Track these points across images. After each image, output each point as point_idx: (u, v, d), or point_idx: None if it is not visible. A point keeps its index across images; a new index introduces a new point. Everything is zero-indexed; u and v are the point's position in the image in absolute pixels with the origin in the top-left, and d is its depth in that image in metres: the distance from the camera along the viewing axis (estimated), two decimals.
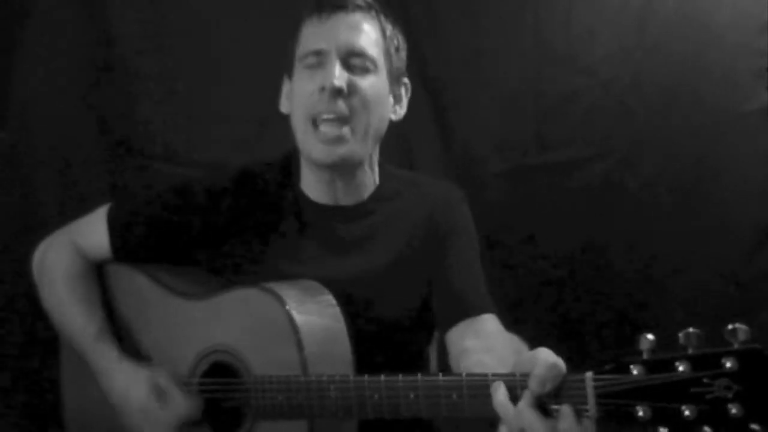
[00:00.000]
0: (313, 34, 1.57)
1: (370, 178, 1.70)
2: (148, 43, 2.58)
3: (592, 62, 2.56)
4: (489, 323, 1.57)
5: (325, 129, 1.54)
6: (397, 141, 2.62)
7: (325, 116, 1.54)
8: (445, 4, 2.63)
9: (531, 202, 2.59)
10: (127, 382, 1.56)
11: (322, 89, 1.53)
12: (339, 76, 1.52)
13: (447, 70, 2.63)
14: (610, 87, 2.55)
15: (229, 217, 1.66)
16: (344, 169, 1.62)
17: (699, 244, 2.49)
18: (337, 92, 1.52)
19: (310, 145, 1.57)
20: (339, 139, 1.55)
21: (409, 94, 1.69)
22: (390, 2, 2.58)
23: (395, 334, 1.62)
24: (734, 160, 2.48)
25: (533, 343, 1.47)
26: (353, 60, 1.55)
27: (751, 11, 2.45)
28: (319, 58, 1.55)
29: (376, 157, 1.70)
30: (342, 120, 1.54)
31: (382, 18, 1.62)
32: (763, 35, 2.45)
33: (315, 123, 1.55)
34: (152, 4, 2.59)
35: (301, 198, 1.68)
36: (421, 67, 2.64)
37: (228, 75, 2.53)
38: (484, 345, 1.49)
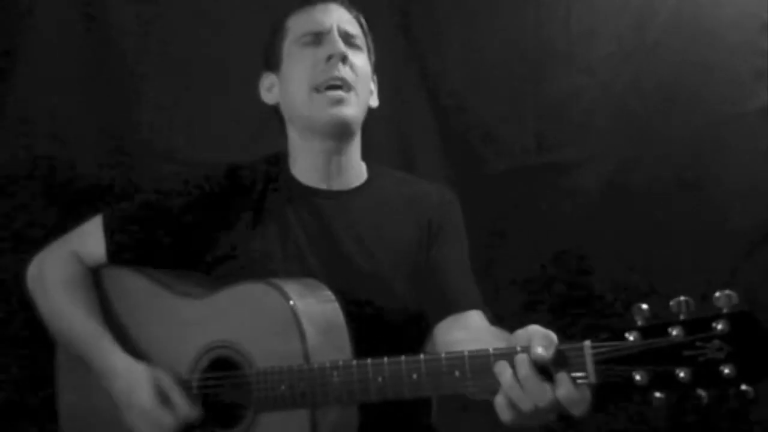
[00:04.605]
0: (308, 19, 1.72)
1: (359, 168, 1.76)
2: (148, 43, 2.58)
3: (592, 62, 2.56)
4: (476, 318, 1.62)
5: (330, 93, 1.65)
6: (397, 141, 2.65)
7: (331, 82, 1.65)
8: (445, 5, 2.63)
9: (531, 202, 2.59)
10: (129, 383, 1.56)
11: (329, 57, 1.65)
12: (343, 46, 1.67)
13: (447, 70, 2.63)
14: (610, 87, 2.55)
15: (219, 212, 1.69)
16: (344, 138, 1.69)
17: (699, 243, 2.48)
18: (343, 59, 1.66)
19: (316, 110, 1.66)
20: (343, 101, 1.65)
21: (376, 88, 1.80)
22: (390, 3, 2.63)
23: (387, 327, 1.62)
24: (734, 160, 2.48)
25: None
26: (348, 39, 1.70)
27: (752, 11, 2.45)
28: (318, 36, 1.69)
29: (359, 147, 1.76)
30: (346, 85, 1.66)
31: (362, 19, 1.78)
32: (763, 35, 2.45)
33: (318, 91, 1.66)
34: (152, 4, 2.59)
35: (291, 183, 1.72)
36: (421, 68, 2.65)
37: (228, 75, 2.53)
38: (471, 337, 1.51)
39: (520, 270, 2.56)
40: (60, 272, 1.70)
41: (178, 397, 1.52)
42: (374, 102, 1.77)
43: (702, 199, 2.51)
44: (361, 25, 1.76)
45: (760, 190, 2.45)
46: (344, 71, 1.65)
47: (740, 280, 2.45)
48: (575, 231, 2.56)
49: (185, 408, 1.51)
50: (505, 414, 1.22)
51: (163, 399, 1.52)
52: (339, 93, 1.65)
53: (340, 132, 1.67)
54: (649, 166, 2.54)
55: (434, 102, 2.65)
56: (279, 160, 1.76)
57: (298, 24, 1.73)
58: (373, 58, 1.78)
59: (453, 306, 1.63)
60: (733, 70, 2.47)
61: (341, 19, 1.72)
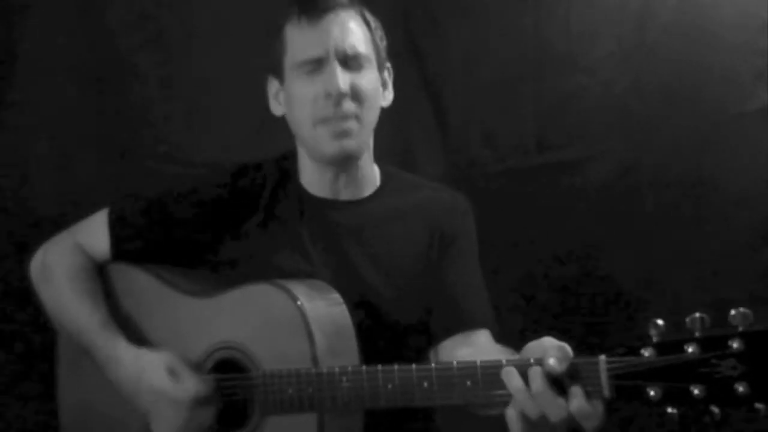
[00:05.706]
0: (305, 41, 1.59)
1: (371, 175, 1.73)
2: (148, 44, 2.58)
3: (592, 62, 2.56)
4: (482, 337, 1.61)
5: (333, 127, 1.58)
6: (397, 141, 2.65)
7: (333, 120, 1.58)
8: (445, 4, 2.63)
9: (531, 202, 2.59)
10: (138, 366, 1.55)
11: (328, 95, 1.57)
12: (342, 80, 1.57)
13: (447, 70, 2.63)
14: (610, 87, 2.55)
15: (227, 214, 1.68)
16: (349, 163, 1.66)
17: (699, 243, 2.48)
18: (343, 96, 1.57)
19: (318, 142, 1.61)
20: (346, 133, 1.59)
21: (392, 78, 1.72)
22: (390, 3, 2.63)
23: (394, 333, 1.62)
24: (734, 160, 2.48)
25: None
26: (350, 61, 1.59)
27: (751, 11, 2.45)
28: (317, 64, 1.59)
29: (371, 153, 1.73)
30: (349, 118, 1.59)
31: (365, 12, 1.66)
32: (763, 35, 2.45)
33: (321, 124, 1.60)
34: (152, 5, 2.59)
35: (301, 193, 1.70)
36: (421, 67, 2.64)
37: (227, 75, 2.53)
38: (477, 352, 1.50)
39: (520, 270, 2.56)
40: (65, 263, 1.69)
41: (188, 374, 1.50)
42: (386, 100, 1.70)
43: (702, 199, 2.50)
44: (366, 23, 1.64)
45: (760, 190, 2.45)
46: (346, 106, 1.57)
47: (740, 280, 2.45)
48: (575, 231, 2.56)
49: (198, 383, 1.49)
50: (515, 427, 1.22)
51: (175, 378, 1.51)
52: (340, 126, 1.58)
53: (345, 162, 1.65)
54: (649, 166, 2.54)
55: (434, 101, 2.65)
56: (288, 162, 1.73)
57: (294, 41, 1.61)
58: (383, 54, 1.67)
59: (463, 324, 1.61)
60: (733, 70, 2.47)
61: (341, 35, 1.58)
